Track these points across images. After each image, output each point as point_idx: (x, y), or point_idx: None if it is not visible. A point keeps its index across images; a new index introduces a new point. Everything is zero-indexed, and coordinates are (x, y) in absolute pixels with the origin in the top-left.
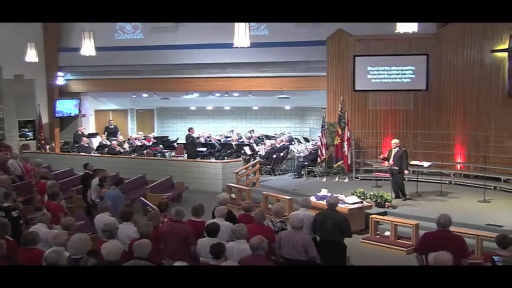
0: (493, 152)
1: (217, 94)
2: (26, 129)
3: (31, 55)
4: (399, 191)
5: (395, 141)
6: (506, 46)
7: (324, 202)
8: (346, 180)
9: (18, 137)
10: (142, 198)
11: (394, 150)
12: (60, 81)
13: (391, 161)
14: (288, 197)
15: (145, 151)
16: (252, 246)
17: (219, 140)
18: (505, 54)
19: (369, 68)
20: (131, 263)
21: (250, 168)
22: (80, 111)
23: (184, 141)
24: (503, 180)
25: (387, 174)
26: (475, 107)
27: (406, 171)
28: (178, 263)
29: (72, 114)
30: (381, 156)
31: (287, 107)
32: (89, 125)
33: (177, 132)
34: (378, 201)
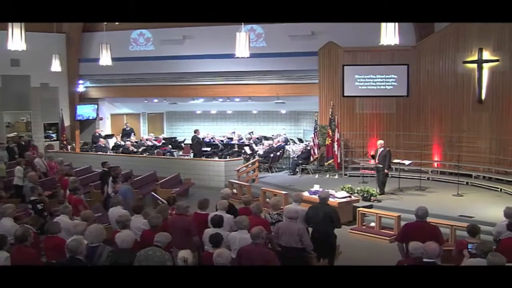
0: (466, 151)
1: (220, 100)
2: (50, 131)
3: (56, 65)
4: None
5: (380, 142)
6: (475, 58)
7: (316, 197)
8: (336, 177)
9: (44, 138)
10: (153, 193)
11: (380, 150)
12: (80, 88)
13: (377, 159)
14: (284, 192)
15: (155, 151)
16: (253, 235)
17: (222, 141)
18: (475, 65)
19: (356, 76)
20: (148, 249)
21: (250, 166)
22: (97, 115)
23: (190, 142)
24: (474, 176)
25: (373, 171)
26: (449, 111)
27: (386, 170)
28: (183, 252)
29: (90, 118)
30: (371, 153)
31: (283, 111)
32: (105, 128)
33: (184, 133)
34: (365, 195)
